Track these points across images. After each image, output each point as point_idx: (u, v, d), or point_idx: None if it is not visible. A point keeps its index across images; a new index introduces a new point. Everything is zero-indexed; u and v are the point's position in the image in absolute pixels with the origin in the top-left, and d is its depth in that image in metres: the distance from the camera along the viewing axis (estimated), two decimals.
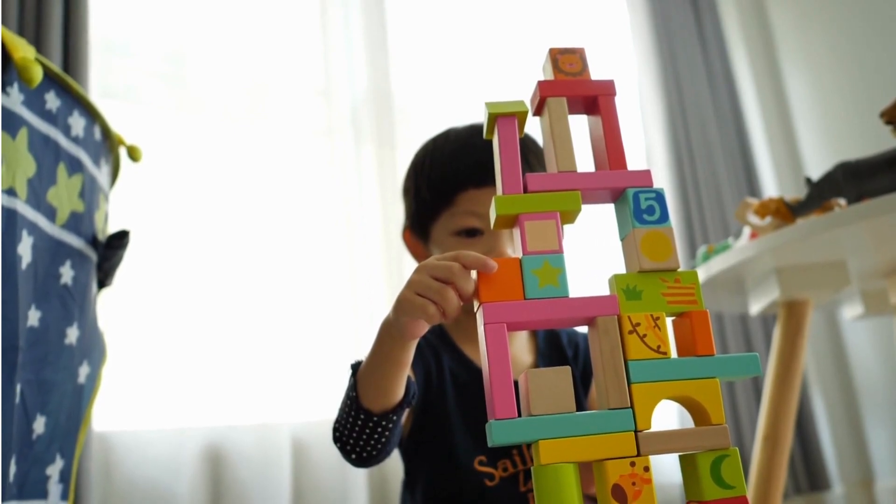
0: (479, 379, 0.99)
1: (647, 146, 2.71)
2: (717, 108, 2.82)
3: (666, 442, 0.57)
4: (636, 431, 0.57)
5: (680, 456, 0.60)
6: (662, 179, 2.63)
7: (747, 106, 2.95)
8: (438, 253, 1.00)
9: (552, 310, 0.60)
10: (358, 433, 0.82)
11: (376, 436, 0.82)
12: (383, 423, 0.81)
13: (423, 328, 0.70)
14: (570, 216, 0.65)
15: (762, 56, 3.01)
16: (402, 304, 0.68)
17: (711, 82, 2.85)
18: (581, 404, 1.06)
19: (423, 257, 1.10)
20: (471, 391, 1.01)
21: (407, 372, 0.79)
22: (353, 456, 0.86)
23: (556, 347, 1.10)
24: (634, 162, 2.68)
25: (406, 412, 0.85)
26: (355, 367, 0.82)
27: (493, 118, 0.67)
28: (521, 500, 0.99)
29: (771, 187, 2.76)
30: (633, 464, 0.56)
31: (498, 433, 0.56)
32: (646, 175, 0.66)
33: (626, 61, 2.78)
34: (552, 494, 0.55)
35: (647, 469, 0.56)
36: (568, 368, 0.58)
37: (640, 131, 2.72)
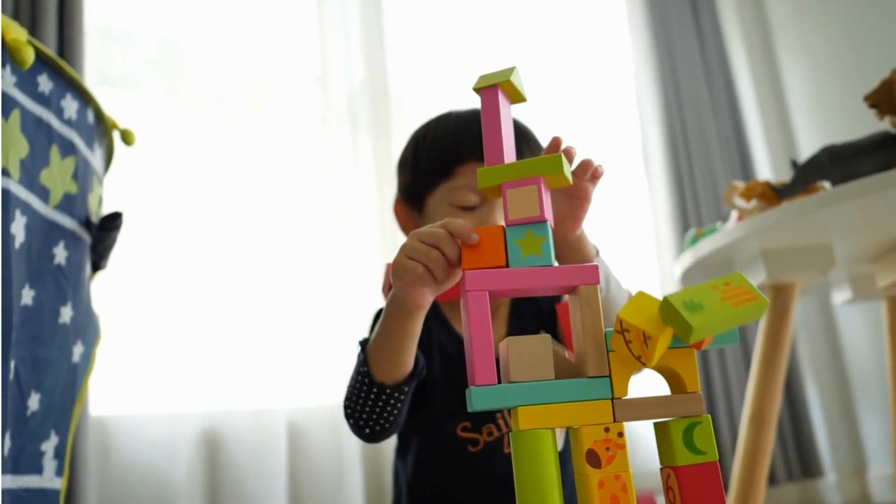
0: (461, 346, 1.02)
1: (643, 135, 2.72)
2: (713, 97, 2.83)
3: (641, 409, 0.58)
4: (612, 399, 0.58)
5: (654, 423, 0.61)
6: (658, 168, 2.64)
7: (743, 95, 2.95)
8: (432, 222, 1.01)
9: (534, 278, 0.61)
10: (371, 407, 0.85)
11: (389, 408, 0.86)
12: (396, 394, 0.85)
13: (426, 297, 0.73)
14: (554, 181, 0.64)
15: (759, 45, 3.02)
16: (395, 268, 0.71)
17: (708, 72, 2.86)
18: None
19: (413, 230, 1.10)
20: (455, 362, 1.04)
21: (416, 343, 0.82)
22: (367, 430, 0.89)
23: (533, 310, 1.11)
24: (631, 152, 2.70)
25: (416, 380, 0.88)
26: (364, 343, 0.85)
27: (478, 91, 0.66)
28: (506, 462, 1.00)
29: (766, 176, 2.77)
30: (607, 429, 0.57)
31: (477, 399, 0.57)
32: None
33: (622, 52, 2.79)
34: (530, 459, 0.57)
35: (620, 435, 0.57)
36: (548, 336, 0.59)
37: (636, 121, 2.73)
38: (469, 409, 0.57)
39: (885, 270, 1.22)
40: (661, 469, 0.60)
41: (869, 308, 2.42)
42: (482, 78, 0.66)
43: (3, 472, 0.87)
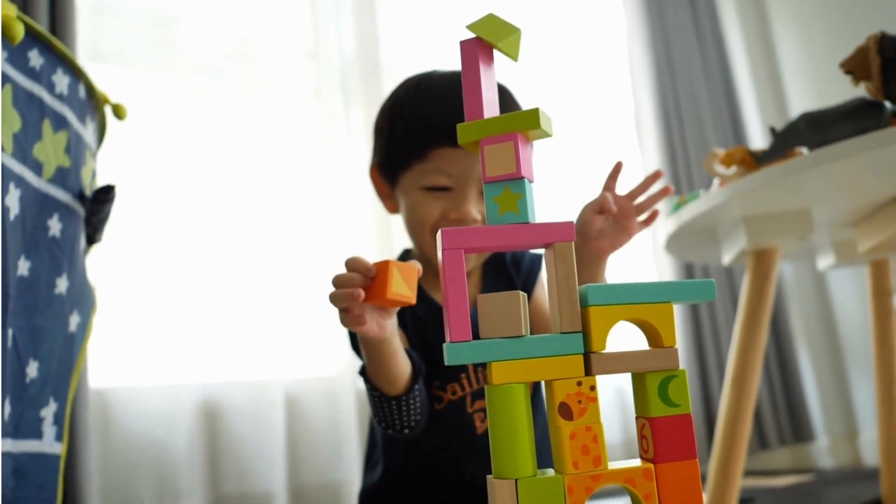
0: (436, 312, 1.08)
1: (635, 104, 2.73)
2: (705, 65, 2.84)
3: (618, 363, 0.60)
4: (588, 353, 0.59)
5: (632, 375, 0.62)
6: (650, 137, 2.66)
7: (736, 62, 2.96)
8: (405, 201, 1.05)
9: (509, 236, 0.61)
10: (399, 414, 0.95)
11: (412, 407, 0.95)
12: (411, 397, 0.94)
13: (373, 329, 0.80)
14: (535, 136, 0.64)
15: (751, 12, 3.02)
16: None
17: (700, 39, 2.86)
18: None
19: (388, 198, 1.13)
20: (427, 323, 1.08)
21: (398, 359, 0.90)
22: (407, 431, 0.97)
23: (500, 268, 1.15)
24: (623, 119, 2.71)
25: (420, 378, 0.96)
26: (362, 371, 0.94)
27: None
28: (467, 420, 1.07)
29: (759, 143, 2.78)
30: (579, 383, 0.59)
31: (451, 354, 0.59)
32: None
33: (615, 20, 2.79)
34: (503, 412, 0.58)
35: (592, 388, 0.59)
36: (518, 293, 0.60)
37: (628, 90, 2.74)
38: (445, 364, 0.59)
39: (865, 235, 1.24)
40: (636, 418, 0.62)
41: (859, 273, 2.44)
42: (477, 24, 0.65)
43: (4, 437, 0.90)
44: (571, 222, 0.61)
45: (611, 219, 0.91)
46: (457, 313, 0.59)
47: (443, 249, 0.60)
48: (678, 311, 2.53)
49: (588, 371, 0.59)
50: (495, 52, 0.67)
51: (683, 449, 0.59)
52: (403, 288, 0.75)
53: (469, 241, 0.61)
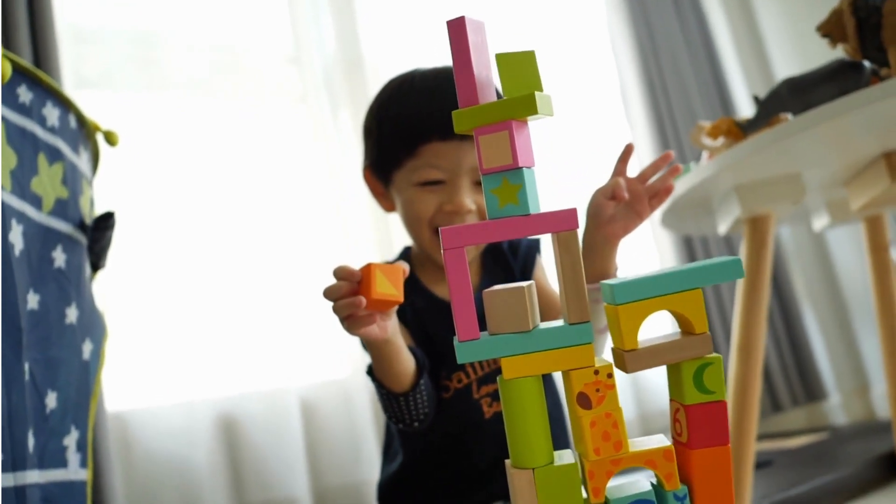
0: (435, 305, 1.10)
1: (620, 82, 2.74)
2: (686, 35, 2.84)
3: (652, 358, 0.59)
4: (625, 351, 0.59)
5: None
6: (638, 114, 2.67)
7: (717, 32, 2.96)
8: (400, 199, 1.07)
9: (511, 228, 0.59)
10: (407, 409, 0.98)
11: (420, 402, 0.98)
12: (418, 392, 0.97)
13: (377, 332, 0.83)
14: (534, 118, 0.61)
15: None
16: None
17: (679, 11, 2.86)
18: None
19: (384, 197, 1.15)
20: (427, 316, 1.10)
21: (402, 357, 0.93)
22: (416, 424, 1.00)
23: (497, 255, 1.17)
24: (609, 97, 2.71)
25: (425, 373, 0.99)
26: (370, 371, 0.98)
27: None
28: (475, 406, 1.09)
29: (746, 110, 2.79)
30: (596, 372, 0.58)
31: (462, 353, 0.59)
32: None
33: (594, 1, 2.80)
34: (517, 405, 0.59)
35: (610, 376, 0.58)
36: (522, 288, 0.60)
37: (612, 69, 2.75)
38: (458, 362, 0.60)
39: (857, 193, 1.25)
40: (670, 400, 0.62)
41: (857, 229, 2.46)
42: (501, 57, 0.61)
43: (30, 468, 0.92)
44: (574, 209, 0.59)
45: (622, 203, 0.92)
46: (463, 312, 0.59)
47: (444, 249, 0.59)
48: None
49: (623, 369, 0.59)
50: (486, 28, 0.64)
51: (717, 435, 0.59)
52: (388, 287, 0.77)
53: (469, 238, 0.60)
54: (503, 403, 0.60)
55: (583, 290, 0.59)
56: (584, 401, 0.58)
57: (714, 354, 0.59)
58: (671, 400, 0.62)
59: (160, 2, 2.05)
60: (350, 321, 0.80)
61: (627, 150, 0.95)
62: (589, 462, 0.58)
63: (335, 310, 0.80)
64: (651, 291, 0.59)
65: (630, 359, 0.58)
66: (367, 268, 0.77)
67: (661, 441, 0.60)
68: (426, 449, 1.10)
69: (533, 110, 0.59)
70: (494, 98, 0.62)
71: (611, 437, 0.58)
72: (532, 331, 0.59)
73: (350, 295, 0.78)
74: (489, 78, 0.62)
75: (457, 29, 0.61)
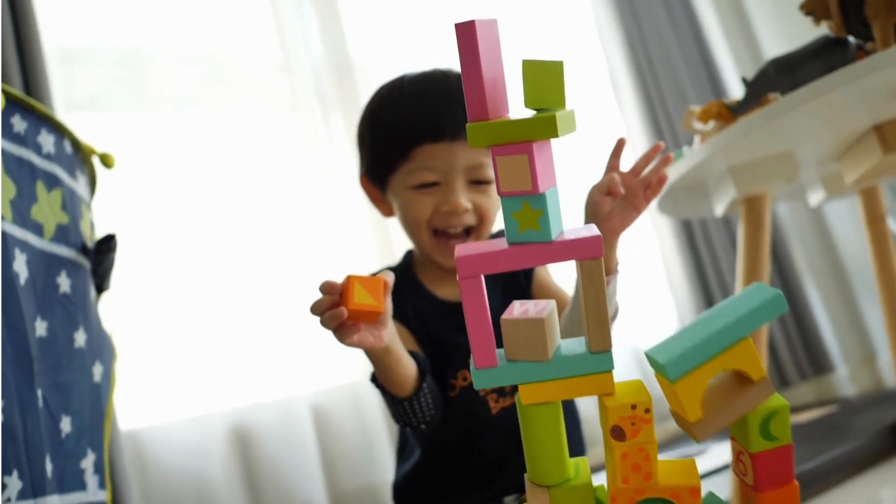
0: (436, 306, 1.12)
1: (608, 65, 2.74)
2: (670, 16, 2.83)
3: (719, 422, 0.56)
4: (690, 424, 0.56)
5: None
6: (628, 96, 2.67)
7: (703, 13, 2.96)
8: (397, 203, 1.08)
9: (531, 256, 0.56)
10: (412, 412, 1.00)
11: (424, 404, 1.00)
12: (421, 395, 0.99)
13: (372, 340, 0.84)
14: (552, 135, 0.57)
15: None
16: None
17: None
18: (525, 295, 1.15)
19: (381, 203, 1.17)
20: (429, 317, 1.12)
21: (402, 363, 0.94)
22: (423, 426, 1.02)
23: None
24: (599, 83, 2.72)
25: (427, 376, 1.01)
26: (373, 378, 0.99)
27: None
28: (481, 403, 1.10)
29: (737, 91, 2.79)
30: (634, 406, 0.56)
31: (479, 380, 0.58)
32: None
33: None
34: (534, 429, 0.58)
35: (647, 411, 0.56)
36: (542, 321, 0.57)
37: (599, 52, 2.75)
38: (476, 388, 0.59)
39: (850, 166, 1.26)
40: (731, 438, 0.60)
41: (854, 201, 2.46)
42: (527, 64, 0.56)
43: (50, 494, 0.93)
44: (598, 237, 0.56)
45: (619, 198, 0.93)
46: (480, 340, 0.57)
47: (459, 278, 0.57)
48: (678, 258, 2.55)
49: (693, 438, 0.56)
50: (498, 30, 0.58)
51: (783, 476, 0.58)
52: (367, 298, 0.79)
53: (487, 267, 0.57)
54: (522, 430, 0.59)
55: (606, 318, 0.57)
56: (618, 433, 0.56)
57: (779, 400, 0.56)
58: (732, 439, 0.60)
59: (144, 18, 2.06)
60: (339, 332, 0.82)
61: (620, 145, 0.96)
62: (615, 488, 0.57)
63: (321, 323, 0.82)
64: (701, 357, 0.55)
65: (698, 430, 0.56)
66: (347, 280, 0.79)
67: (691, 470, 0.58)
68: (438, 447, 1.12)
69: (553, 133, 0.54)
70: (506, 104, 0.59)
71: (641, 468, 0.57)
72: (552, 359, 0.57)
73: (332, 307, 0.80)
74: (501, 82, 0.58)
75: (466, 34, 0.55)
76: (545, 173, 0.56)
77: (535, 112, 0.56)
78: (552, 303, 0.60)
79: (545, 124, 0.54)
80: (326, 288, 0.81)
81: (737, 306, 0.56)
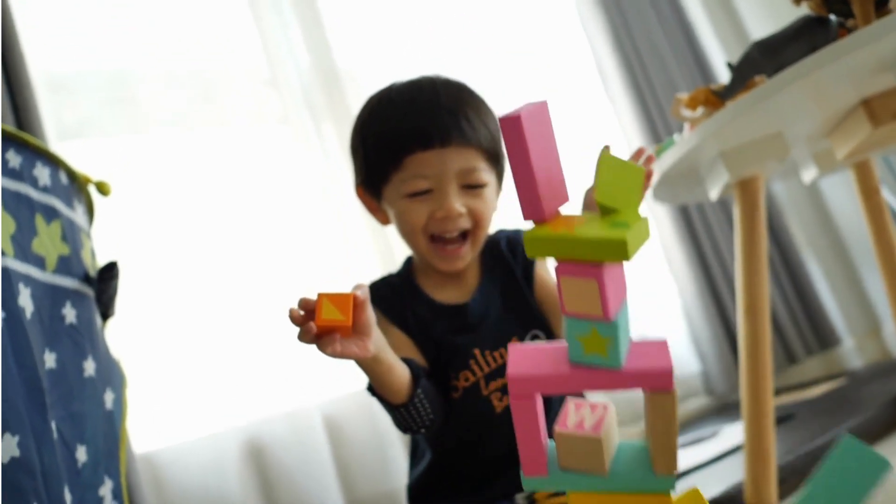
0: (435, 310, 1.14)
1: (595, 58, 2.74)
2: (657, 9, 2.84)
3: None
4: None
5: None
6: (618, 88, 2.68)
7: (688, 1, 2.96)
8: (393, 211, 1.10)
9: (595, 382, 0.52)
10: (411, 417, 1.02)
11: (422, 409, 1.01)
12: (417, 401, 1.00)
13: (357, 351, 0.86)
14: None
15: None
16: None
17: None
18: (526, 300, 1.17)
19: (378, 212, 1.19)
20: (428, 321, 1.14)
21: (394, 370, 0.96)
22: (424, 430, 1.04)
23: (496, 254, 1.20)
24: (587, 77, 2.72)
25: (423, 381, 1.02)
26: (370, 388, 1.01)
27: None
28: (485, 402, 1.12)
29: (725, 75, 2.80)
30: None
31: (529, 485, 0.57)
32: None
33: None
34: None
35: None
36: (599, 440, 0.54)
37: (585, 45, 2.76)
38: (524, 489, 0.60)
39: (840, 142, 1.26)
40: None
41: (848, 174, 2.47)
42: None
43: None
44: (670, 368, 0.52)
45: None
46: (530, 454, 0.55)
47: (511, 399, 0.54)
48: (678, 243, 2.56)
49: None
50: (549, 112, 0.53)
51: None
52: (334, 313, 0.82)
53: (541, 388, 0.53)
54: None
55: (674, 447, 0.54)
56: None
57: None
58: None
59: (129, 41, 2.06)
60: (319, 346, 0.84)
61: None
62: None
63: (298, 339, 0.84)
64: None
65: None
66: (318, 297, 0.83)
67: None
68: (446, 448, 1.14)
69: (623, 256, 0.48)
70: (565, 191, 0.54)
71: None
72: (609, 471, 0.55)
73: (304, 323, 0.82)
74: (557, 169, 0.53)
75: (512, 130, 0.49)
76: (616, 294, 0.51)
77: (602, 207, 0.51)
78: (610, 408, 0.56)
79: (615, 248, 0.48)
80: (301, 305, 0.84)
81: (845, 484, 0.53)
